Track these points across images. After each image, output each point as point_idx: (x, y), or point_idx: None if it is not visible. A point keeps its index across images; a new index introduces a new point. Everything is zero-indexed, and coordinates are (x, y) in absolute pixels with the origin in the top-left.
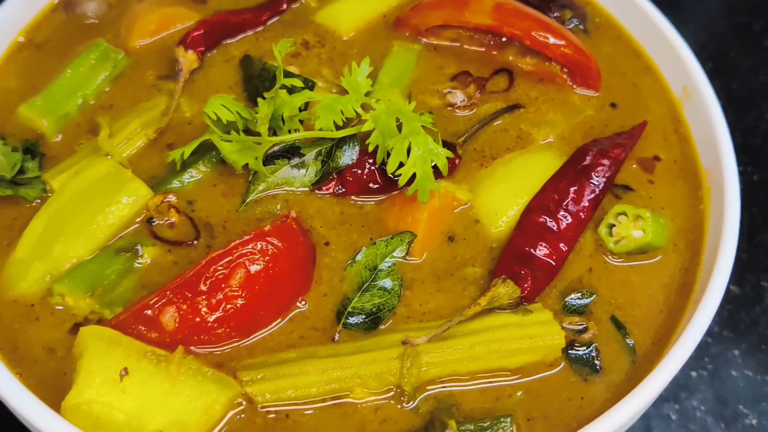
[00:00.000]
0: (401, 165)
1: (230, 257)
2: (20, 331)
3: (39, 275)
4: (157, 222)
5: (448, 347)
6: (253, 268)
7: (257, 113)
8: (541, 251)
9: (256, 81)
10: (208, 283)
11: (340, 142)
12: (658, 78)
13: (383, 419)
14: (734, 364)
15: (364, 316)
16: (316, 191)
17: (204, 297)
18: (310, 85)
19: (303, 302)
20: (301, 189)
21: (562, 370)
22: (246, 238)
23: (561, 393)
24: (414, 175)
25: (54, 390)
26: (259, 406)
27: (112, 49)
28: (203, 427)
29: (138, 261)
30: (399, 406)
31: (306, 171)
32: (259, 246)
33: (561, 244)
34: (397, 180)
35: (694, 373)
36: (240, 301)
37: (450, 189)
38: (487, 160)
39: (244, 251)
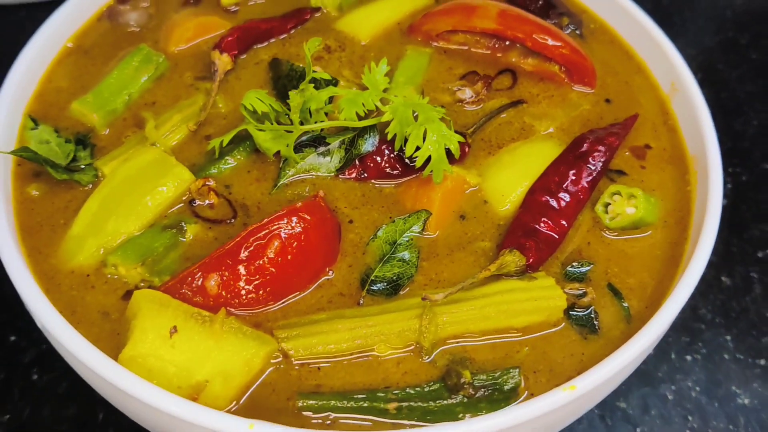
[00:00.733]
0: (418, 149)
1: (267, 230)
2: (78, 298)
3: (94, 249)
4: (198, 203)
5: (462, 308)
6: (287, 240)
7: (290, 103)
8: (544, 226)
9: (284, 80)
10: (247, 252)
11: (361, 132)
12: (648, 76)
13: (405, 371)
14: (726, 349)
15: (385, 284)
16: (340, 176)
17: (243, 265)
18: (334, 83)
19: (331, 272)
20: (326, 174)
21: (564, 329)
22: (280, 213)
23: (563, 349)
24: (429, 158)
25: (110, 348)
26: (294, 359)
27: (154, 53)
28: (245, 378)
29: (182, 237)
30: (419, 360)
31: (331, 158)
32: (293, 220)
33: (562, 221)
34: (414, 166)
35: (689, 357)
36: (275, 269)
37: (461, 173)
38: (493, 149)
39: (278, 225)
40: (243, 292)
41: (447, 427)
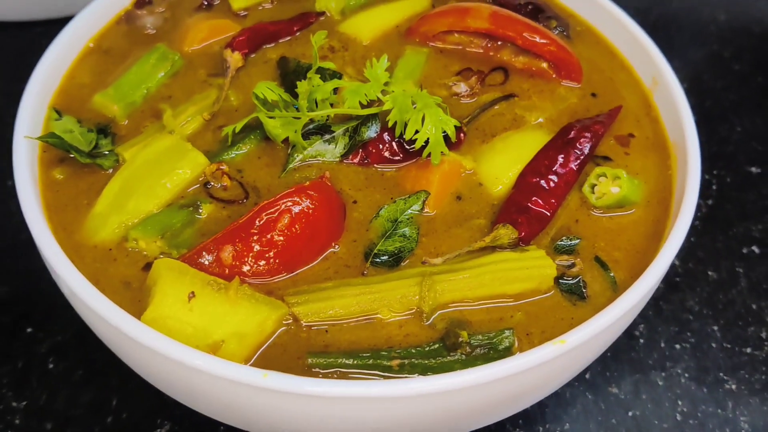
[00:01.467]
0: (417, 133)
1: (277, 205)
2: (101, 270)
3: (115, 225)
4: (212, 185)
5: (459, 276)
6: (296, 215)
7: (297, 92)
8: (535, 204)
9: (291, 76)
10: (259, 226)
11: (364, 120)
12: (631, 73)
13: (406, 333)
14: (714, 338)
15: (387, 256)
16: (345, 161)
17: (255, 237)
18: (338, 76)
19: (336, 246)
20: (331, 159)
21: (554, 296)
22: (290, 190)
23: (554, 314)
24: (427, 141)
25: (132, 313)
26: (304, 322)
27: (170, 51)
28: (258, 338)
29: (198, 214)
30: (419, 323)
31: (336, 145)
32: (301, 197)
33: (551, 199)
34: (413, 151)
35: (678, 346)
36: (285, 241)
37: (457, 158)
38: (487, 138)
39: (288, 200)
40: (255, 262)
41: (446, 377)
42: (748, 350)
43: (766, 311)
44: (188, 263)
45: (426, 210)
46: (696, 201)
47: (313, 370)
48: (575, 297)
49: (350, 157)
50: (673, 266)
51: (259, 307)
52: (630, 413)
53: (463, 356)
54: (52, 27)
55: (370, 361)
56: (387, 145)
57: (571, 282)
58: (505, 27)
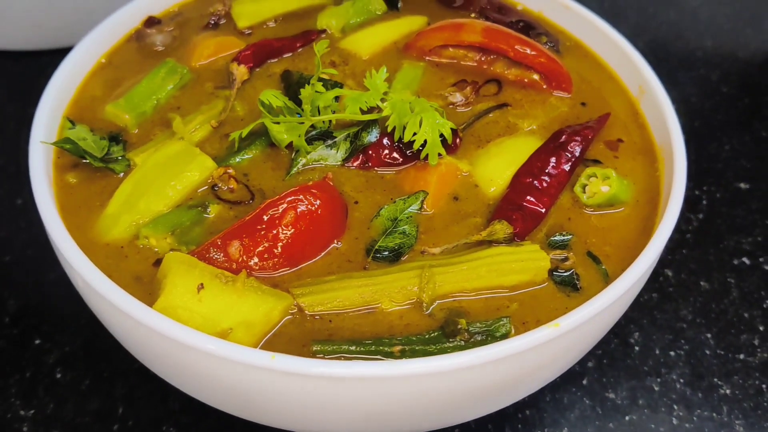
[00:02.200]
0: (414, 135)
1: (282, 202)
2: (113, 266)
3: (127, 224)
4: (219, 188)
5: (457, 268)
6: (300, 212)
7: (301, 98)
8: (529, 202)
9: (295, 87)
10: (265, 222)
11: (365, 126)
12: (618, 83)
13: (407, 323)
14: (707, 345)
15: (388, 252)
16: (346, 165)
17: (261, 233)
18: (340, 86)
19: (339, 242)
20: (334, 164)
21: (549, 288)
22: (294, 189)
23: (549, 304)
24: (425, 143)
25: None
26: (308, 312)
27: (179, 65)
28: (265, 327)
29: (206, 214)
30: (419, 313)
31: (337, 150)
32: (305, 195)
33: (544, 198)
34: (411, 156)
35: (672, 353)
36: (289, 237)
37: (454, 161)
38: (482, 143)
39: (293, 198)
40: (261, 257)
41: (447, 357)
42: (742, 356)
43: (758, 319)
44: (198, 257)
45: (425, 209)
46: (682, 200)
47: (318, 356)
48: (569, 288)
49: (351, 161)
50: (666, 277)
51: (265, 297)
52: (627, 418)
53: (462, 342)
54: (59, 56)
55: (373, 347)
56: (386, 150)
57: (564, 274)
58: (497, 40)
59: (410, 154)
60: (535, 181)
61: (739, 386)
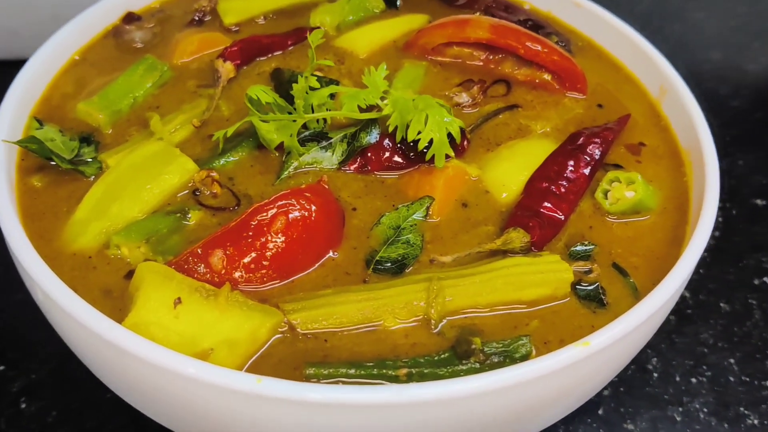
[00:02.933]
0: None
1: (272, 207)
2: (79, 278)
3: (96, 232)
4: (201, 192)
5: (469, 281)
6: (292, 217)
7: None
8: (547, 208)
9: (286, 86)
10: (252, 229)
11: (364, 126)
12: (637, 84)
13: (413, 342)
14: (731, 371)
15: (390, 264)
16: (343, 169)
17: (248, 241)
18: (335, 83)
19: (335, 253)
20: (329, 167)
21: (572, 303)
22: (285, 192)
23: (573, 322)
24: (431, 143)
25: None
26: (301, 331)
27: (159, 62)
28: (250, 347)
29: (186, 221)
30: (427, 331)
31: (333, 152)
32: (297, 199)
33: (563, 204)
34: (415, 158)
35: (694, 380)
36: (279, 246)
37: (461, 165)
38: (492, 146)
39: (284, 203)
40: (247, 268)
41: (463, 381)
42: None
43: None
44: (175, 268)
45: (431, 217)
46: (717, 202)
47: (312, 380)
48: (594, 304)
49: (348, 164)
50: (683, 298)
51: (251, 313)
52: None
53: (477, 364)
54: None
55: (375, 371)
56: (387, 152)
57: (588, 288)
58: (506, 37)
59: (414, 156)
60: (552, 186)
61: None
